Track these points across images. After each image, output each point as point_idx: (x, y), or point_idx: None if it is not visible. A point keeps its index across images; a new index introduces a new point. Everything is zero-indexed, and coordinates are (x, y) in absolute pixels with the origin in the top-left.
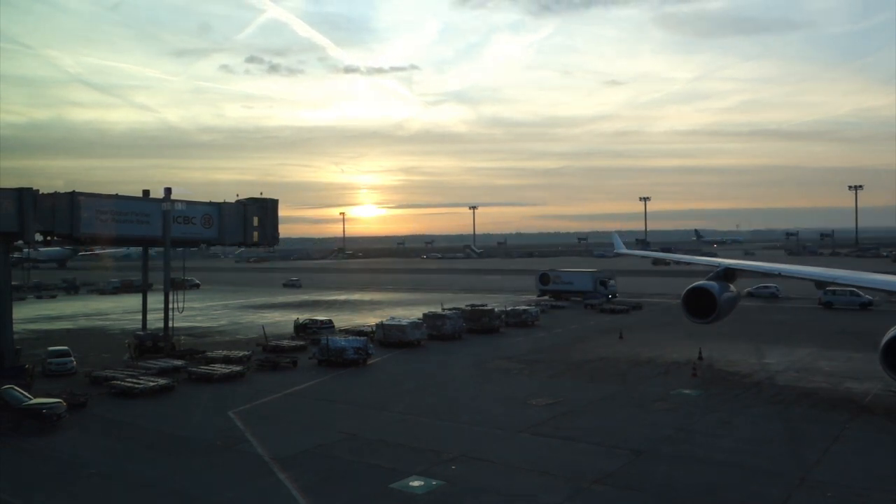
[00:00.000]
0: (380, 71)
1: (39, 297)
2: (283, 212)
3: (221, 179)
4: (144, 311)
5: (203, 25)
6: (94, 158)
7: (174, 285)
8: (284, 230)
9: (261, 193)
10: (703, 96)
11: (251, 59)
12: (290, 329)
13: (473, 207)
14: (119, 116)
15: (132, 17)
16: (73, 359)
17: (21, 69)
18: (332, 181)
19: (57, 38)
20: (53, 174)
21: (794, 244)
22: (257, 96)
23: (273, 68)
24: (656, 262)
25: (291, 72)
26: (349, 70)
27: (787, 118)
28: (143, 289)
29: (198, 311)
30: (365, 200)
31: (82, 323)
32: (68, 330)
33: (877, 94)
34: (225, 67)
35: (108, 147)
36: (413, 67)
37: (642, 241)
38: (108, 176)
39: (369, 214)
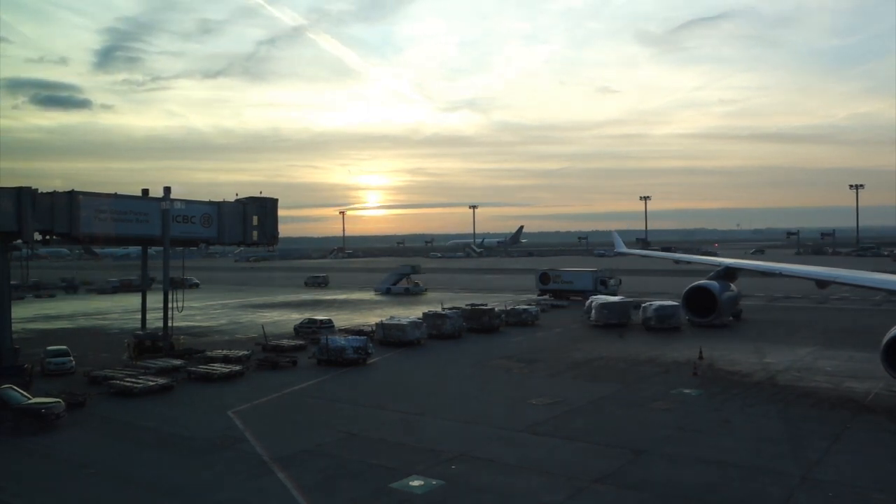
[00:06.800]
0: (397, 78)
1: (38, 297)
2: (287, 212)
3: (236, 181)
4: (144, 310)
5: (233, 37)
6: (120, 160)
7: (173, 284)
8: (286, 230)
9: (260, 192)
10: (704, 103)
11: (272, 65)
12: (290, 328)
13: (474, 207)
14: (145, 121)
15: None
16: (71, 358)
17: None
18: (339, 182)
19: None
20: (71, 175)
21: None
22: (277, 103)
23: (294, 76)
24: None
25: (310, 79)
26: (369, 78)
27: (786, 122)
28: (143, 288)
29: (197, 311)
30: (369, 200)
31: (81, 322)
32: (69, 329)
33: (873, 99)
34: (247, 74)
35: (133, 150)
36: (428, 74)
37: (642, 240)
38: (128, 177)
39: (371, 214)
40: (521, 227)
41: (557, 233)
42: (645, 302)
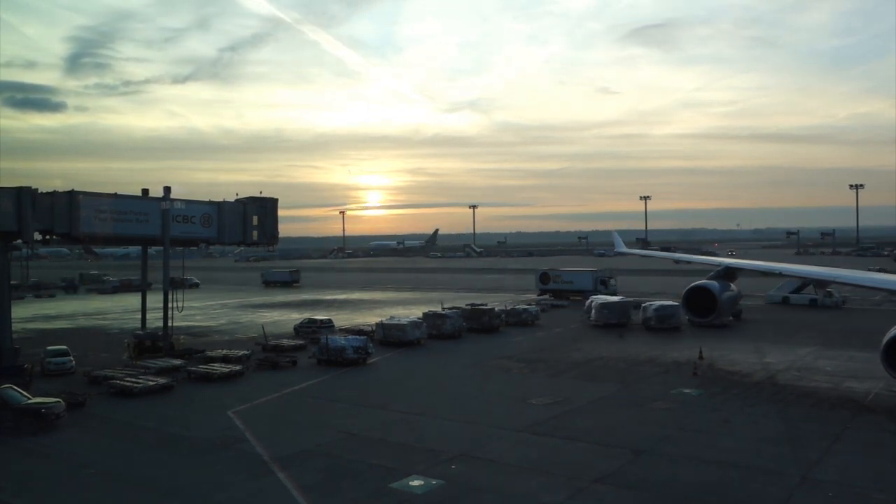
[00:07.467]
0: (398, 79)
1: (38, 297)
2: (287, 212)
3: (236, 180)
4: (144, 310)
5: (236, 40)
6: (121, 161)
7: (174, 284)
8: (286, 229)
9: (260, 192)
10: (704, 103)
11: (276, 69)
12: (290, 328)
13: (473, 207)
14: (148, 121)
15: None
16: (71, 358)
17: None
18: (339, 182)
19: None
20: (71, 175)
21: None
22: (278, 103)
23: (295, 76)
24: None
25: (311, 80)
26: (370, 78)
27: (786, 122)
28: (143, 288)
29: (197, 311)
30: (369, 200)
31: (81, 322)
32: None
33: (873, 99)
34: (252, 76)
35: (134, 150)
36: (429, 75)
37: (642, 239)
38: (131, 177)
39: (371, 214)
40: (437, 230)
41: (557, 233)
42: (645, 302)
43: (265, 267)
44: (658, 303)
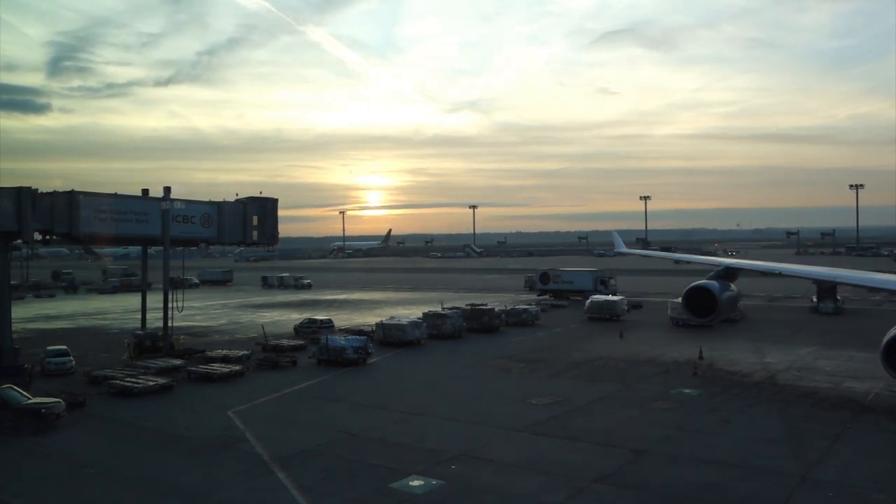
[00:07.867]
0: (399, 79)
1: (38, 297)
2: (287, 212)
3: (236, 180)
4: (144, 310)
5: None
6: (121, 161)
7: (174, 284)
8: (286, 230)
9: (260, 192)
10: (704, 104)
11: (276, 69)
12: (290, 328)
13: (473, 207)
14: (148, 122)
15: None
16: (71, 358)
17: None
18: (339, 182)
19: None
20: (76, 175)
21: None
22: (278, 103)
23: (297, 77)
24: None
25: (312, 80)
26: (371, 79)
27: (786, 122)
28: (143, 288)
29: (197, 311)
30: (369, 200)
31: (81, 322)
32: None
33: (873, 99)
34: (252, 76)
35: (134, 150)
36: (430, 75)
37: (642, 240)
38: (131, 177)
39: (371, 214)
40: (390, 230)
41: (557, 233)
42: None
43: (266, 267)
44: (602, 298)
